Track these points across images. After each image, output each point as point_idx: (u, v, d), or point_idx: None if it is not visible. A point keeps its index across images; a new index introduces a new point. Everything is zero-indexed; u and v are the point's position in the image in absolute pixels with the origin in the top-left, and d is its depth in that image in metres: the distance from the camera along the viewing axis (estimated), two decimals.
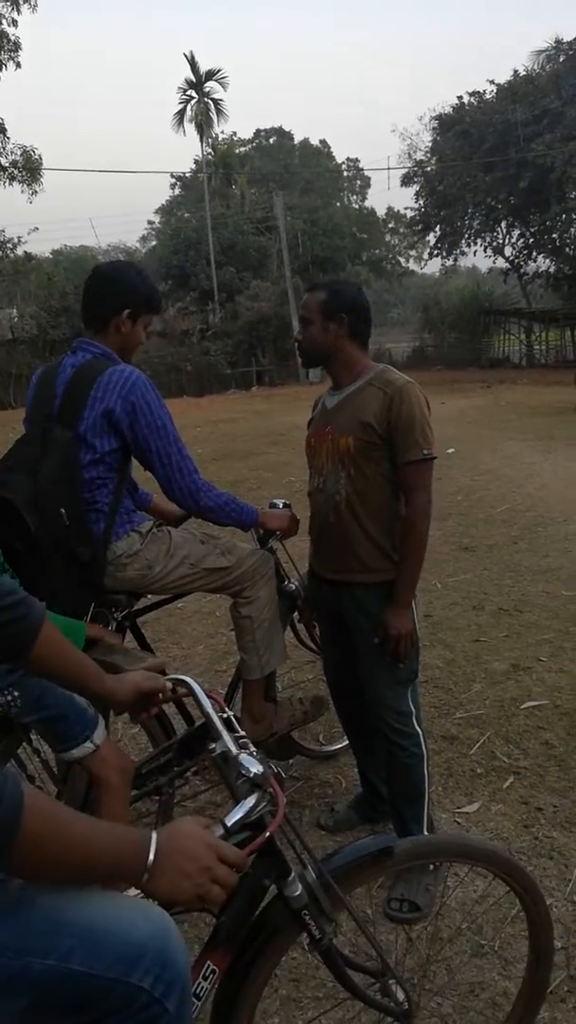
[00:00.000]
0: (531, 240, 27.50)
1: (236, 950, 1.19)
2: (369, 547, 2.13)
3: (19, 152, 22.55)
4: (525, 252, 28.33)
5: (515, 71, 25.44)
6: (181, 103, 36.31)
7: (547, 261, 28.00)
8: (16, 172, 22.63)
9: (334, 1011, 1.67)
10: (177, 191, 43.32)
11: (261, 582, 2.26)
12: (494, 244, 28.54)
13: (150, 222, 47.32)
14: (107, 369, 2.00)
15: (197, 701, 1.27)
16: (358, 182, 47.58)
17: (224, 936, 1.17)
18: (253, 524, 2.28)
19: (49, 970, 0.89)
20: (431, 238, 29.44)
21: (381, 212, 44.12)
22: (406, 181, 28.10)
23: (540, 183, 22.97)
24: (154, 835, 0.93)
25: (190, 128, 36.27)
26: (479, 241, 28.40)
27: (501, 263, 29.42)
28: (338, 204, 42.83)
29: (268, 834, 1.07)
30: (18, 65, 21.72)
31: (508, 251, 28.66)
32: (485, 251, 28.86)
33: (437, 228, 28.45)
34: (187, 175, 41.61)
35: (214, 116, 36.38)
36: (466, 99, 26.46)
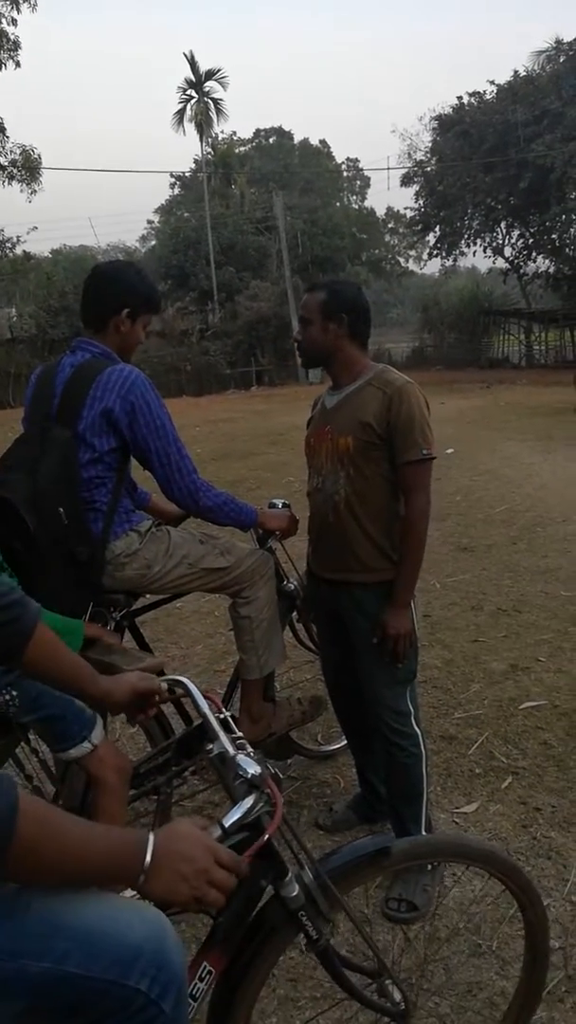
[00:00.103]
0: (531, 240, 27.50)
1: (233, 951, 1.19)
2: (368, 547, 2.13)
3: (18, 151, 22.59)
4: (525, 252, 28.33)
5: (515, 71, 25.47)
6: (181, 102, 36.36)
7: (547, 262, 28.02)
8: (15, 171, 22.65)
9: (332, 1011, 1.67)
10: (177, 191, 43.36)
11: (260, 582, 2.26)
12: (494, 244, 28.55)
13: (149, 222, 47.40)
14: (106, 368, 2.00)
15: (194, 702, 1.26)
16: (358, 182, 47.62)
17: (221, 937, 1.16)
18: (252, 524, 2.28)
19: (45, 973, 0.88)
20: (431, 238, 29.44)
21: (381, 212, 44.21)
22: (406, 181, 28.11)
23: (540, 183, 22.97)
24: (151, 837, 0.92)
25: (190, 128, 36.34)
26: (479, 241, 28.40)
27: (501, 263, 29.42)
28: (338, 204, 42.85)
29: (266, 837, 1.07)
30: (17, 64, 21.76)
31: (508, 251, 28.67)
32: (485, 251, 28.88)
33: (437, 228, 28.44)
34: (187, 175, 41.64)
35: (214, 116, 36.39)
36: (466, 99, 26.48)
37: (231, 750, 1.14)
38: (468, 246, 28.74)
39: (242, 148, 43.83)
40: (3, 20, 20.96)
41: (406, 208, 30.66)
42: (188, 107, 36.07)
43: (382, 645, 2.10)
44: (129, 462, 2.09)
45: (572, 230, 25.58)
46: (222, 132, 41.42)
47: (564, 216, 24.15)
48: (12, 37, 21.41)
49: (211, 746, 1.16)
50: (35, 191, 23.25)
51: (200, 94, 35.81)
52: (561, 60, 24.23)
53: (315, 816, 2.52)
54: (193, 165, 40.64)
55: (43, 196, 24.16)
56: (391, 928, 2.02)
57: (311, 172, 42.25)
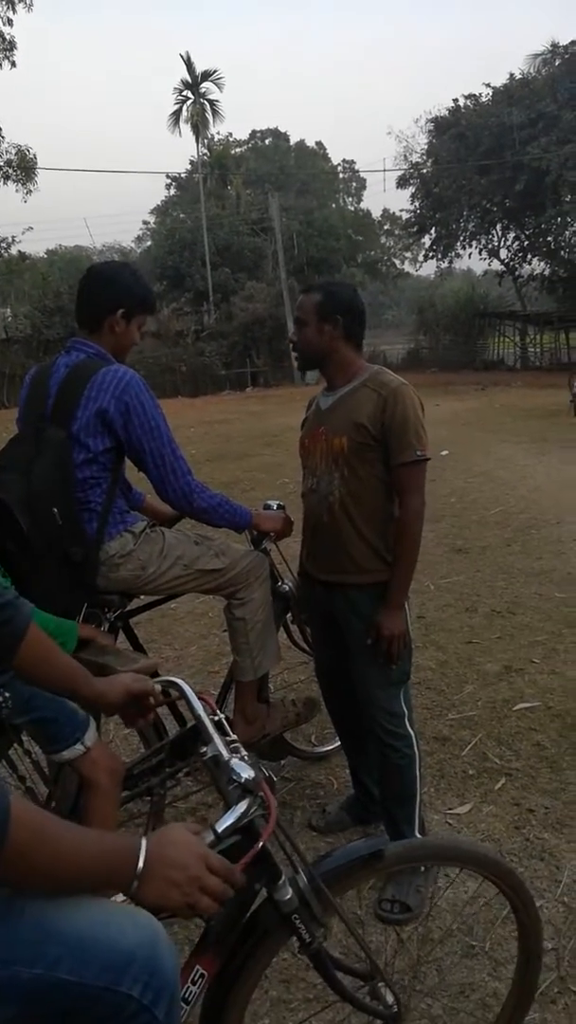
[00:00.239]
0: (526, 243, 27.60)
1: (226, 954, 1.18)
2: (362, 548, 2.13)
3: (14, 151, 22.52)
4: (520, 255, 28.44)
5: (511, 74, 25.61)
6: (177, 104, 36.33)
7: (542, 264, 28.14)
8: (11, 171, 22.59)
9: (324, 1012, 1.67)
10: (172, 192, 43.32)
11: (255, 584, 2.25)
12: (489, 247, 28.64)
13: (145, 222, 47.27)
14: (101, 369, 2.00)
15: (189, 704, 1.26)
16: (354, 184, 47.67)
17: (213, 940, 1.16)
18: (247, 525, 2.28)
19: (37, 979, 0.88)
20: (426, 240, 29.51)
21: (377, 214, 44.21)
22: (402, 183, 28.18)
23: (535, 186, 23.07)
24: (143, 842, 0.92)
25: (186, 129, 36.22)
26: (474, 244, 28.51)
27: (496, 266, 29.55)
28: (334, 206, 42.86)
29: (260, 844, 1.06)
30: (13, 64, 21.72)
31: (503, 254, 28.77)
32: (480, 254, 28.99)
33: (432, 230, 28.52)
34: (183, 176, 41.64)
35: (210, 117, 36.34)
36: (462, 102, 26.56)
37: (225, 753, 1.13)
38: (464, 248, 28.86)
39: (238, 149, 43.83)
40: None
41: (402, 210, 30.84)
42: (184, 108, 36.04)
43: (376, 646, 2.10)
44: (123, 463, 2.09)
45: (567, 233, 25.69)
46: (218, 133, 41.56)
47: (559, 219, 24.25)
48: (8, 37, 21.39)
49: (205, 749, 1.16)
50: (31, 191, 23.21)
51: (196, 95, 35.76)
52: (557, 63, 24.35)
53: (308, 817, 2.52)
54: (189, 166, 40.68)
55: (39, 196, 24.11)
56: (384, 929, 2.02)
57: (307, 174, 42.29)
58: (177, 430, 2.15)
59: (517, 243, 28.19)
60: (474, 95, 26.35)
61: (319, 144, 47.64)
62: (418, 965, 1.84)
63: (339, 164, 47.74)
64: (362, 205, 46.53)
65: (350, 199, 47.86)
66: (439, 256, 29.27)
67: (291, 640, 2.88)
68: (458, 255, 29.51)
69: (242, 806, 1.06)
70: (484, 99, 26.01)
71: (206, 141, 38.29)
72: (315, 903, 1.19)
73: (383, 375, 2.16)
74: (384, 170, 65.11)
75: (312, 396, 2.40)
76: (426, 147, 27.82)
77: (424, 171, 27.51)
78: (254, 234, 32.75)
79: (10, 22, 21.22)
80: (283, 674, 3.42)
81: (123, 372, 2.01)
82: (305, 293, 2.23)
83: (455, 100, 26.68)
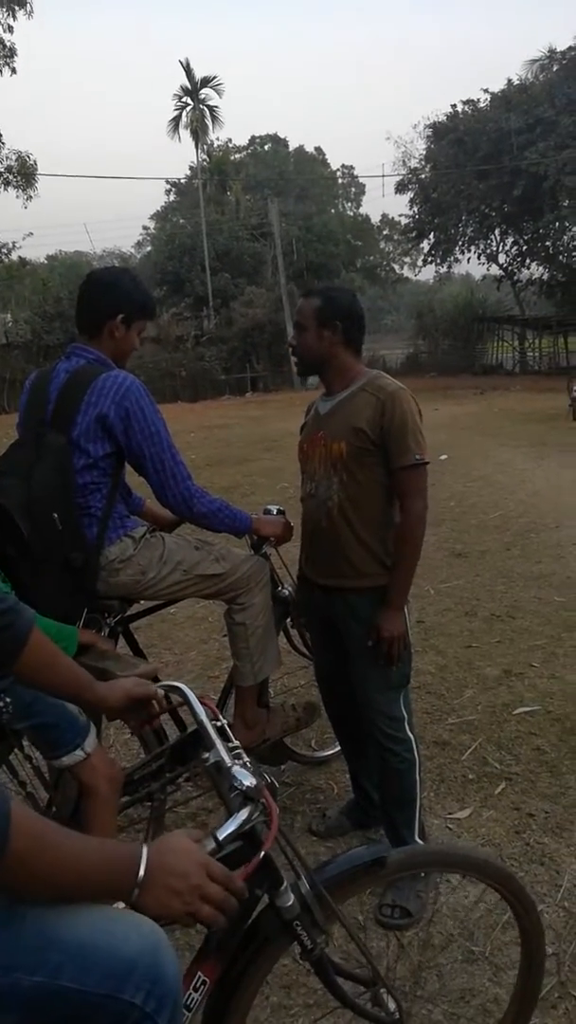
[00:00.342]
0: (524, 248, 27.68)
1: (227, 960, 1.18)
2: (361, 552, 2.13)
3: (14, 157, 22.60)
4: (519, 260, 28.51)
5: (509, 80, 25.73)
6: (176, 110, 36.47)
7: (540, 269, 28.20)
8: (11, 177, 22.66)
9: (325, 1018, 1.66)
10: (172, 197, 43.45)
11: (256, 589, 2.25)
12: (488, 251, 28.72)
13: (145, 228, 47.44)
14: (101, 374, 2.00)
15: (191, 708, 1.26)
16: (353, 189, 47.81)
17: (215, 946, 1.16)
18: (247, 530, 2.28)
19: (39, 986, 0.87)
20: (425, 245, 29.58)
21: (375, 219, 44.40)
22: (400, 188, 28.27)
23: (533, 191, 23.14)
24: (144, 850, 0.92)
25: (185, 135, 36.35)
26: (473, 248, 28.58)
27: (495, 270, 29.61)
28: (333, 211, 42.98)
29: (263, 854, 1.06)
30: (13, 71, 21.83)
31: (502, 258, 28.85)
32: (479, 258, 29.05)
33: (431, 235, 28.59)
34: (182, 181, 41.74)
35: (209, 123, 36.48)
36: (460, 107, 26.66)
37: (228, 760, 1.12)
38: (462, 253, 28.94)
39: (237, 155, 43.96)
40: None
41: (401, 215, 30.85)
42: (184, 114, 36.20)
43: (376, 648, 2.10)
44: (123, 468, 2.09)
45: (565, 237, 25.78)
46: (218, 139, 41.60)
47: (557, 223, 24.33)
48: (8, 44, 21.49)
49: (207, 755, 1.15)
50: (31, 197, 23.29)
51: (196, 101, 35.91)
52: (554, 69, 24.45)
53: (308, 822, 2.52)
54: (189, 172, 40.79)
55: (39, 202, 24.20)
56: (385, 934, 2.02)
57: (306, 179, 42.39)
58: (177, 435, 2.15)
59: (515, 248, 28.27)
60: (472, 101, 26.47)
61: (318, 150, 47.76)
62: (419, 971, 1.83)
63: (338, 169, 47.92)
64: (361, 210, 46.69)
65: (349, 204, 47.99)
66: (438, 261, 29.34)
67: (291, 644, 2.88)
68: (457, 260, 29.62)
69: (244, 813, 1.05)
70: (482, 105, 26.11)
71: (206, 147, 38.42)
72: (317, 910, 1.19)
73: (381, 379, 2.17)
74: (383, 175, 65.33)
75: (311, 401, 2.40)
76: (425, 152, 27.92)
77: (423, 176, 27.60)
78: (254, 239, 32.83)
79: (10, 29, 21.33)
80: (283, 679, 3.42)
81: (123, 377, 2.01)
82: (304, 298, 2.24)
83: (453, 106, 26.82)
